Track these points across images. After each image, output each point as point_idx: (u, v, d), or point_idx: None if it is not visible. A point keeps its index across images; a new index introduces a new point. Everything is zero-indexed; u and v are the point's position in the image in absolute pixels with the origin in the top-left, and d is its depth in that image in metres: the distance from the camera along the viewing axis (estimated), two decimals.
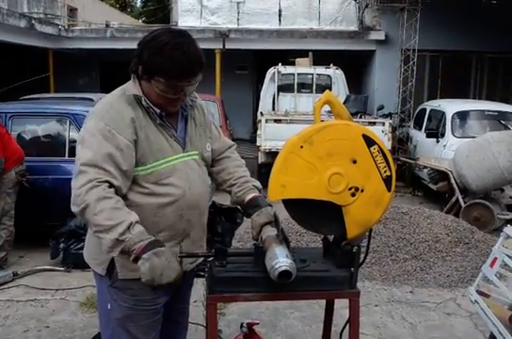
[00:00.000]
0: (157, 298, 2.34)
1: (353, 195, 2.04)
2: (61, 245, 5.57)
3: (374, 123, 9.94)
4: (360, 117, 10.94)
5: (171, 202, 2.27)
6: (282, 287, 2.08)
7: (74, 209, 2.07)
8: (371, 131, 2.03)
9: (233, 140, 10.40)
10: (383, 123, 9.87)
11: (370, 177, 2.03)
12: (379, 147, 2.01)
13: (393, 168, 2.05)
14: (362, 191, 2.04)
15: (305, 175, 1.99)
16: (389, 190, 2.06)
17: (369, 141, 2.00)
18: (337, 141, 1.98)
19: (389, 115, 12.43)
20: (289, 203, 2.07)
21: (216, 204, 3.98)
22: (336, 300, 2.56)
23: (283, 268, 1.96)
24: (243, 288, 2.15)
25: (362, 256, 2.28)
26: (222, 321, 4.23)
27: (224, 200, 2.65)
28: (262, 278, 2.12)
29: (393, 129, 11.01)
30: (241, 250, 2.40)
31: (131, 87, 2.28)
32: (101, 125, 2.15)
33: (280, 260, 1.98)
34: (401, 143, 11.97)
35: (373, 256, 5.75)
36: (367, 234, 2.21)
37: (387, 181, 2.04)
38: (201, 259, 2.46)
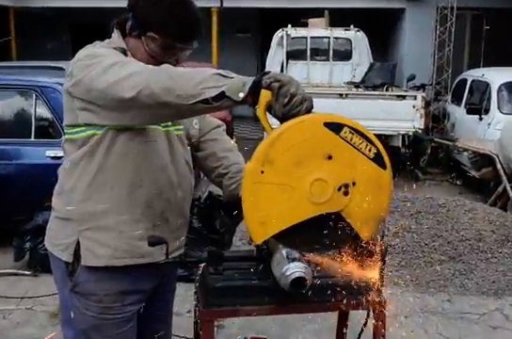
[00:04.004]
0: (127, 305, 2.38)
1: (346, 194, 2.01)
2: (27, 244, 5.56)
3: (403, 97, 9.92)
4: (387, 89, 10.89)
5: (152, 172, 2.31)
6: (293, 298, 2.07)
7: (126, 94, 1.99)
8: (331, 114, 2.00)
9: (234, 118, 10.30)
10: (414, 97, 9.83)
11: (356, 165, 2.00)
12: (349, 127, 1.98)
13: (377, 141, 2.03)
14: (355, 184, 2.02)
15: (282, 200, 1.96)
16: (384, 167, 2.03)
17: (335, 127, 1.96)
18: (298, 145, 1.94)
19: (421, 87, 12.38)
20: (279, 236, 2.04)
21: (213, 196, 3.96)
22: None
23: (297, 275, 1.94)
24: (245, 300, 2.14)
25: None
26: (221, 335, 4.23)
27: None
28: (267, 287, 2.10)
29: (427, 104, 10.96)
30: (240, 254, 2.39)
31: (115, 40, 2.36)
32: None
33: (291, 265, 1.96)
34: (436, 121, 11.93)
35: (402, 258, 5.74)
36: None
37: (377, 159, 2.02)
38: (183, 250, 2.48)
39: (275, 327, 4.47)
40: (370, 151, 2.00)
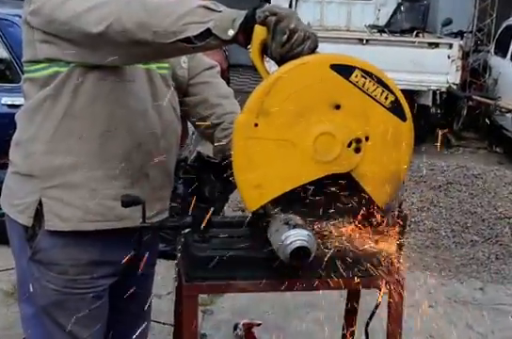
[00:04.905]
0: (97, 278, 2.39)
1: (357, 150, 2.01)
2: None
3: (436, 45, 9.84)
4: (417, 35, 10.82)
5: (129, 118, 2.31)
6: (294, 272, 2.08)
7: (93, 28, 2.00)
8: (339, 54, 1.98)
9: (230, 66, 10.19)
10: (450, 45, 9.77)
11: (369, 115, 2.00)
12: (361, 70, 1.96)
13: (395, 87, 2.02)
14: (368, 139, 2.01)
15: (280, 158, 1.96)
16: (403, 119, 2.03)
17: (344, 70, 1.94)
18: (300, 93, 1.93)
19: (459, 34, 12.31)
20: (278, 202, 2.05)
21: (202, 157, 3.98)
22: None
23: (298, 244, 1.93)
24: (236, 273, 2.14)
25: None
26: (208, 322, 4.29)
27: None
28: (263, 258, 2.10)
29: (465, 55, 10.90)
30: (231, 219, 2.39)
31: None
32: None
33: (291, 232, 1.95)
34: (475, 75, 11.87)
35: (428, 237, 5.79)
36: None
37: (395, 108, 2.01)
38: (167, 214, 2.50)
39: (273, 314, 4.51)
40: (386, 99, 1.99)
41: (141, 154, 2.36)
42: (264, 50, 1.89)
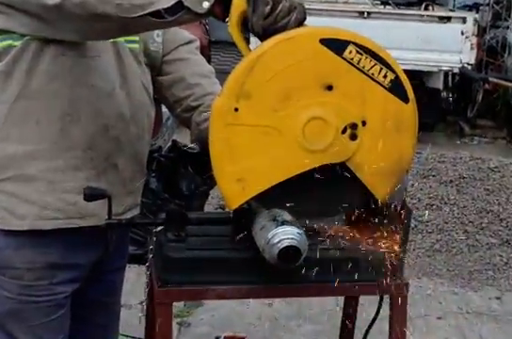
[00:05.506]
0: (56, 284, 2.38)
1: (353, 137, 2.02)
2: None
3: (448, 19, 9.84)
4: (426, 8, 10.82)
5: (93, 99, 2.31)
6: (283, 276, 2.08)
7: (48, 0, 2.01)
8: (330, 27, 1.98)
9: (211, 43, 10.20)
10: (463, 20, 9.80)
11: (366, 97, 2.01)
12: (356, 45, 1.97)
13: (395, 64, 2.02)
14: (365, 124, 2.02)
15: (264, 147, 1.97)
16: (405, 100, 2.04)
17: (336, 45, 1.94)
18: (286, 72, 1.93)
19: (474, 7, 12.33)
20: (263, 198, 2.06)
21: (178, 146, 4.00)
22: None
23: (287, 243, 1.94)
24: (216, 277, 2.14)
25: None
26: (185, 335, 4.31)
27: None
28: (247, 260, 2.12)
29: (481, 31, 10.91)
30: (211, 215, 2.39)
31: None
32: None
33: (279, 230, 1.96)
34: (493, 55, 11.88)
35: (437, 239, 5.78)
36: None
37: (395, 88, 2.02)
38: (138, 209, 2.49)
39: (260, 326, 4.50)
40: (385, 77, 2.00)
41: (108, 141, 2.35)
42: (245, 23, 1.90)
